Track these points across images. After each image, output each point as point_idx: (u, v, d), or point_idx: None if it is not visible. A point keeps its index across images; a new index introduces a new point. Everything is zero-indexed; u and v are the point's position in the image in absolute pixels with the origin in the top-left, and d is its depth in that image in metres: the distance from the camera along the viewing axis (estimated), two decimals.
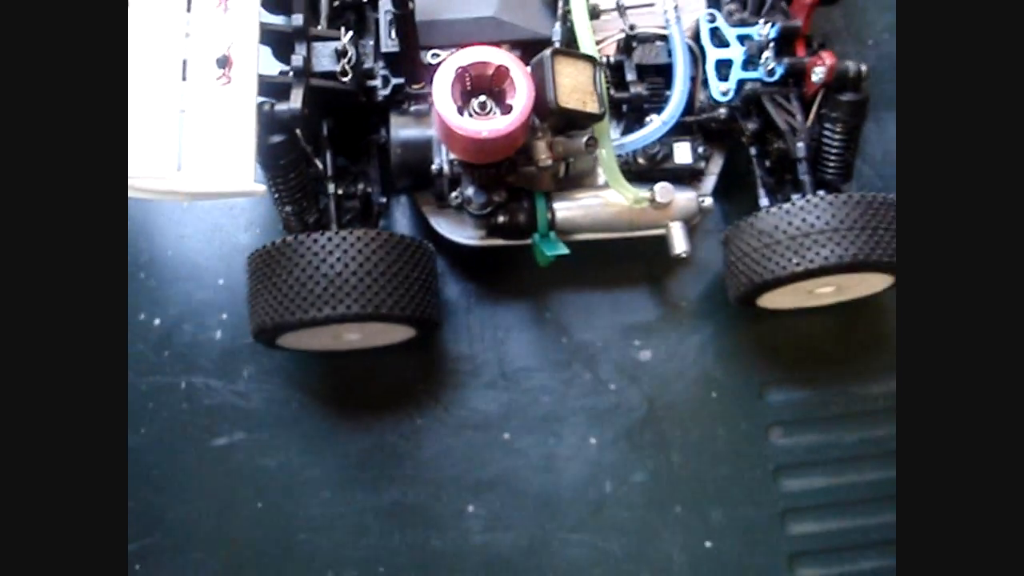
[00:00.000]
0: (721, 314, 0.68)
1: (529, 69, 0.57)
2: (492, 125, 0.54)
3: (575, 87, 0.57)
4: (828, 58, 0.61)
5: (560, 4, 0.62)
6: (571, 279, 0.67)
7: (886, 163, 0.72)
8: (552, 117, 0.56)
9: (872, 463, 0.66)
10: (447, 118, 0.54)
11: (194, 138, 0.53)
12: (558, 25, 0.61)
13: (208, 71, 0.55)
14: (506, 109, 0.55)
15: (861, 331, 0.68)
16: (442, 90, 0.54)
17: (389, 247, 0.57)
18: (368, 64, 0.63)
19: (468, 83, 0.56)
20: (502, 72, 0.55)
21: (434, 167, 0.60)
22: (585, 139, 0.58)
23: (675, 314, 0.68)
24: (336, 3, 0.65)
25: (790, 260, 0.58)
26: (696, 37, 0.64)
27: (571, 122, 0.58)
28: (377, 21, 0.64)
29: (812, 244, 0.57)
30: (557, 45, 0.61)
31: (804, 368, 0.67)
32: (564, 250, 0.61)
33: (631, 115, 0.64)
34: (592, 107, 0.57)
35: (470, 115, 0.55)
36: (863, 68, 0.61)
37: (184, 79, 0.55)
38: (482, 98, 0.56)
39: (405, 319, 0.58)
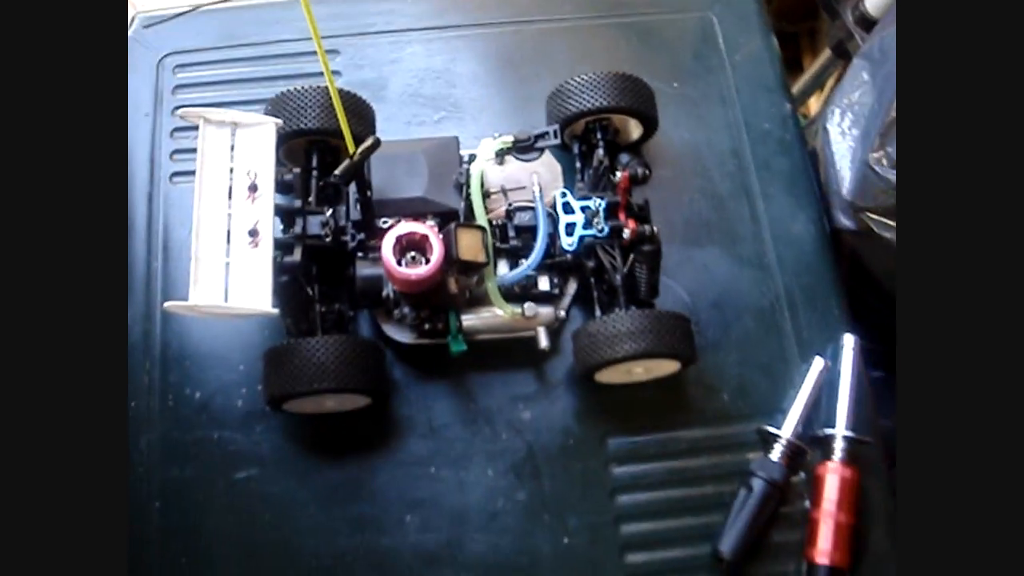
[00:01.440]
0: (576, 386, 0.97)
1: (441, 235, 0.91)
2: (418, 271, 0.87)
3: (470, 246, 0.90)
4: (632, 223, 0.95)
5: (464, 188, 0.97)
6: (477, 365, 0.97)
7: (693, 283, 1.04)
8: (456, 265, 0.90)
9: (680, 484, 0.95)
10: (391, 268, 0.87)
11: (235, 280, 0.86)
12: (462, 203, 0.96)
13: (243, 238, 0.88)
14: (427, 261, 0.89)
15: (670, 398, 0.98)
16: (387, 250, 0.88)
17: (353, 346, 0.89)
18: (342, 223, 0.97)
19: (403, 243, 0.90)
20: (423, 238, 0.89)
21: (384, 294, 0.94)
22: (475, 279, 0.92)
23: (546, 387, 0.98)
24: (321, 184, 1.00)
25: (605, 352, 0.90)
26: (554, 206, 0.99)
27: (468, 267, 0.91)
28: (347, 195, 0.99)
29: (618, 342, 0.90)
30: (461, 216, 0.96)
31: (632, 422, 0.97)
32: (463, 347, 0.94)
33: (512, 259, 0.98)
34: (481, 258, 0.90)
35: (404, 265, 0.89)
36: (655, 229, 0.95)
37: (228, 242, 0.89)
38: (412, 253, 0.89)
39: (364, 391, 0.91)
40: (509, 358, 1.00)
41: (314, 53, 1.13)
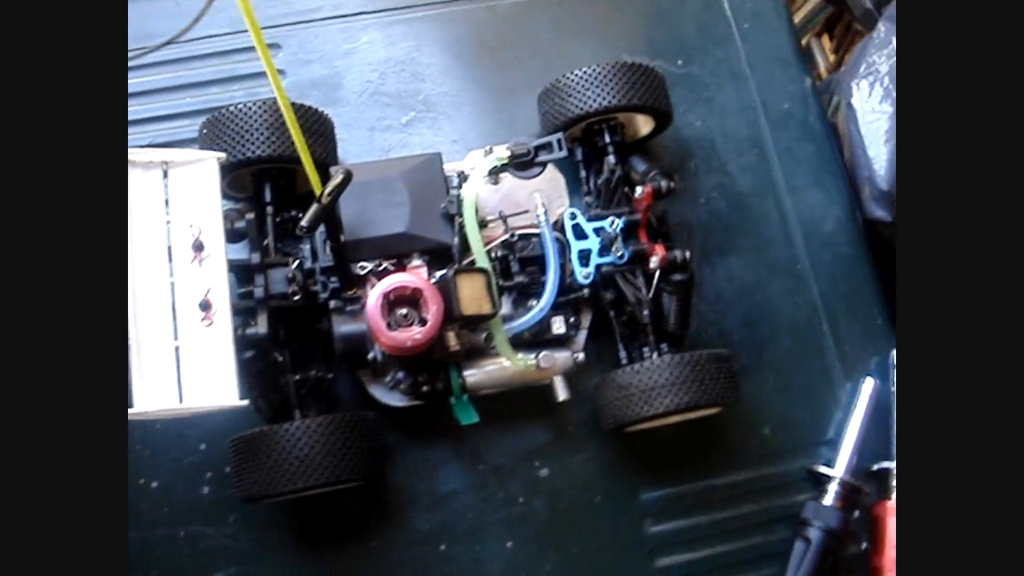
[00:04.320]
0: (598, 434, 0.84)
1: (436, 282, 0.76)
2: (413, 335, 0.72)
3: (473, 296, 0.75)
4: (660, 250, 0.80)
5: (456, 219, 0.80)
6: (482, 419, 0.82)
7: (718, 300, 0.91)
8: (458, 320, 0.75)
9: (725, 538, 0.84)
10: (379, 333, 0.72)
11: (189, 371, 0.69)
12: (456, 238, 0.80)
13: (193, 312, 0.71)
14: (422, 319, 0.74)
15: (705, 439, 0.86)
16: (374, 312, 0.72)
17: (341, 428, 0.74)
18: (308, 265, 0.81)
19: (392, 299, 0.74)
20: (416, 291, 0.74)
21: (370, 357, 0.78)
22: (484, 336, 0.77)
23: (564, 438, 0.85)
24: (278, 219, 0.83)
25: (640, 407, 0.77)
26: (562, 229, 0.84)
27: (473, 321, 0.76)
28: (315, 236, 0.82)
29: (656, 395, 0.76)
30: (455, 252, 0.79)
31: (666, 471, 0.85)
32: (476, 419, 0.79)
33: (517, 295, 0.83)
34: (487, 309, 0.75)
35: (395, 323, 0.73)
36: (687, 254, 0.81)
37: (174, 319, 0.72)
38: (404, 310, 0.74)
39: (361, 479, 0.76)
40: (517, 408, 0.86)
41: (249, 49, 0.97)
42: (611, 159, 0.85)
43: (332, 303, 0.79)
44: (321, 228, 0.77)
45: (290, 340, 0.79)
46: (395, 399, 0.81)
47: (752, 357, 0.90)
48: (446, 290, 0.74)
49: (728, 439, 0.87)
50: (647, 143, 0.92)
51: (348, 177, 0.71)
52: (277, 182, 0.83)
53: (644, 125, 0.90)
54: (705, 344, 0.88)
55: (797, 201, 0.95)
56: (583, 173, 0.88)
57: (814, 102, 0.99)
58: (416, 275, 0.75)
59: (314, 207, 0.70)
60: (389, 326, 0.72)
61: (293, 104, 0.77)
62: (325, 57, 0.98)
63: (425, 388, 0.79)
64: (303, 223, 0.69)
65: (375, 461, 0.76)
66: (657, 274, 0.81)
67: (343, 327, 0.78)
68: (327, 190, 0.70)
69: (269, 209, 0.82)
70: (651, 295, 0.81)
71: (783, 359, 0.90)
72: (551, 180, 0.84)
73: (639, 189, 0.81)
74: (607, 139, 0.86)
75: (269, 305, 0.75)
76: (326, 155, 0.83)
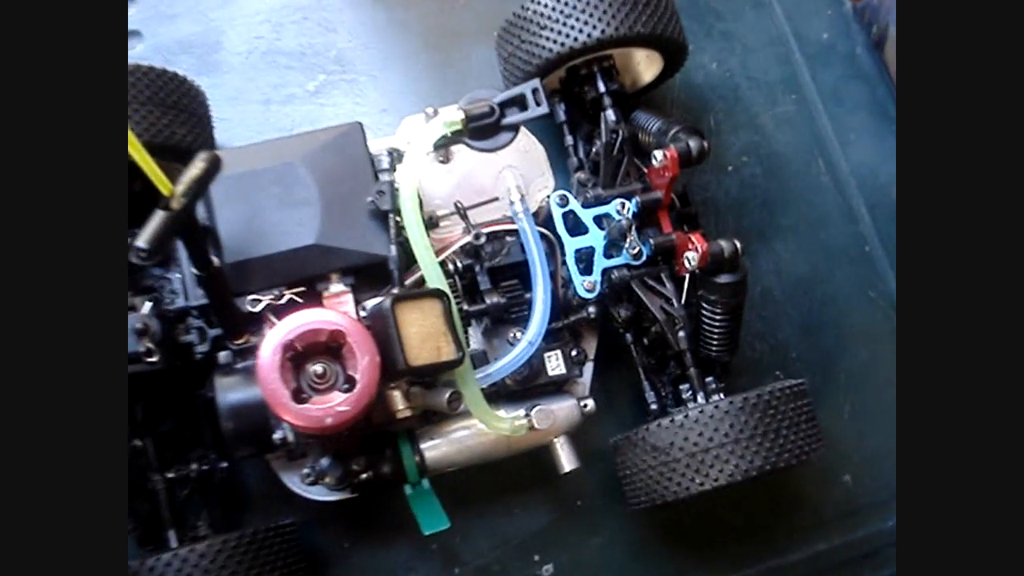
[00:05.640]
0: (620, 506, 0.61)
1: (367, 318, 0.50)
2: (334, 409, 0.46)
3: (425, 336, 0.49)
4: (700, 243, 0.55)
5: (391, 218, 0.54)
6: (452, 499, 0.59)
7: (766, 303, 0.68)
8: (405, 374, 0.49)
9: None
10: (280, 407, 0.46)
11: None
12: (393, 247, 0.54)
13: None
14: (348, 379, 0.47)
15: (769, 500, 0.63)
16: (269, 373, 0.46)
17: (245, 552, 0.49)
18: (177, 303, 0.54)
19: (298, 350, 0.48)
20: (336, 335, 0.48)
21: (276, 437, 0.51)
22: (447, 396, 0.51)
23: (572, 516, 0.63)
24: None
25: (692, 480, 0.52)
26: (547, 221, 0.58)
27: (427, 372, 0.50)
28: (180, 260, 0.55)
29: (714, 460, 0.52)
30: (394, 268, 0.54)
31: (718, 552, 0.62)
32: (445, 524, 0.54)
33: (491, 321, 0.57)
34: (448, 353, 0.49)
35: (308, 385, 0.47)
36: (737, 246, 0.55)
37: None
38: (318, 366, 0.48)
39: None
40: (506, 477, 0.63)
41: None
42: (610, 114, 0.60)
43: (222, 357, 0.53)
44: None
45: (153, 420, 0.52)
46: (322, 492, 0.55)
47: (818, 377, 0.67)
48: (382, 329, 0.48)
49: (799, 497, 0.65)
50: (647, 96, 0.67)
51: (214, 167, 0.46)
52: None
53: (646, 68, 0.66)
54: (754, 365, 0.66)
55: (853, 160, 0.73)
56: (569, 139, 0.63)
57: (859, 29, 0.75)
58: (336, 309, 0.48)
59: (157, 216, 0.44)
60: (297, 394, 0.46)
61: (139, 67, 0.52)
62: (195, 8, 0.72)
63: (364, 476, 0.53)
64: (138, 242, 0.43)
65: None
66: (688, 277, 0.56)
67: (231, 395, 0.52)
68: (180, 188, 0.44)
69: None
70: (683, 300, 0.56)
71: (858, 376, 0.70)
72: (526, 152, 0.60)
73: (657, 155, 0.55)
74: (601, 87, 0.61)
75: None
76: (195, 139, 0.58)
